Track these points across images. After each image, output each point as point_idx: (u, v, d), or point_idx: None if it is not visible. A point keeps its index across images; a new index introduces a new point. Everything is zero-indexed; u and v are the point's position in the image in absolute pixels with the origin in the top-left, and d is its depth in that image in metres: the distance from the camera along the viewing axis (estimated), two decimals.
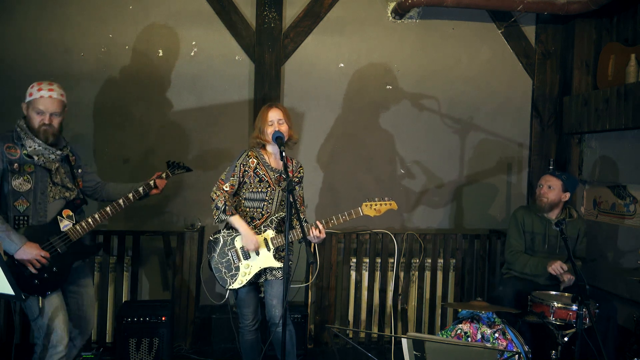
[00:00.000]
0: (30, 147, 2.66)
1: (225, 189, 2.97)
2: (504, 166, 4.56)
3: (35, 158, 2.66)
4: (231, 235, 3.00)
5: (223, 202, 2.92)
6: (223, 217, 2.93)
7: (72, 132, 3.78)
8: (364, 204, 3.00)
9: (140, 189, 2.98)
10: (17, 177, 2.64)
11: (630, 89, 3.69)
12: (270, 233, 2.97)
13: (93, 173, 3.09)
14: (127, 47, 4.00)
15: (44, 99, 2.66)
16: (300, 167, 3.19)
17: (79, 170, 2.92)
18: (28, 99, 2.69)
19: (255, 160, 3.02)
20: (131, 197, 2.93)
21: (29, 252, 2.58)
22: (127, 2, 3.99)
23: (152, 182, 3.04)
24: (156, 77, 4.04)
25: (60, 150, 2.75)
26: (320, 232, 2.92)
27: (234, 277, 2.96)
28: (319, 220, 2.95)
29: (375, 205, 3.00)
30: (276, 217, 2.99)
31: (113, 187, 3.08)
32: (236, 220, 2.93)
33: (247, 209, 3.01)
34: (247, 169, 3.00)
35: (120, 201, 2.89)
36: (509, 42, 4.48)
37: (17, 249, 2.56)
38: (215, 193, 2.96)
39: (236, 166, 3.00)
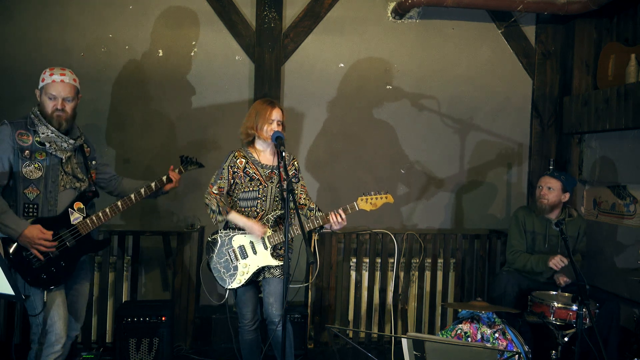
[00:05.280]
0: (43, 133, 2.61)
1: (215, 192, 2.98)
2: (504, 166, 4.56)
3: (47, 145, 2.62)
4: (228, 235, 2.99)
5: (216, 203, 2.94)
6: (220, 218, 2.95)
7: None
8: (359, 198, 2.96)
9: (153, 184, 2.97)
10: (28, 164, 2.59)
11: (631, 89, 3.68)
12: (267, 231, 2.97)
13: (107, 165, 3.07)
14: (127, 47, 4.00)
15: (56, 83, 2.62)
16: (294, 158, 3.17)
17: (93, 162, 2.89)
18: (40, 84, 2.66)
19: (244, 160, 3.01)
20: (143, 192, 2.92)
21: (32, 236, 2.51)
22: (127, 2, 3.99)
23: (164, 178, 3.03)
24: (156, 77, 4.04)
25: (74, 139, 2.71)
26: (342, 218, 2.89)
27: (232, 276, 2.96)
28: (341, 208, 2.92)
29: (371, 199, 2.96)
30: (272, 216, 2.99)
31: (129, 183, 3.06)
32: (234, 216, 2.95)
33: (242, 209, 3.00)
34: (235, 169, 2.99)
35: (132, 196, 2.87)
36: (509, 42, 4.48)
37: (19, 233, 2.50)
38: (207, 198, 2.98)
39: (224, 169, 3.01)
